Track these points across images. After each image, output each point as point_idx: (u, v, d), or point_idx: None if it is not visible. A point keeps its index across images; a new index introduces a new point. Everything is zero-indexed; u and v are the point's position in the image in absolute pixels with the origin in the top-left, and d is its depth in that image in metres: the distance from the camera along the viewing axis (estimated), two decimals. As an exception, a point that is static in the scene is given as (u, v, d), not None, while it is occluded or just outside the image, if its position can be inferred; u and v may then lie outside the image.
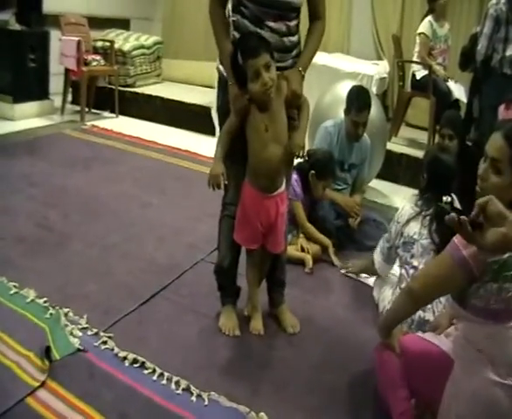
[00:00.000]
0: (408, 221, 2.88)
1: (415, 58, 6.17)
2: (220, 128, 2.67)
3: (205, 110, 6.73)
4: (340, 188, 4.22)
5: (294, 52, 2.60)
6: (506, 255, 1.81)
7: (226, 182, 2.51)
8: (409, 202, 2.98)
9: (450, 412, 1.99)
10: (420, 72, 6.06)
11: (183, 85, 8.22)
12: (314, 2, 2.61)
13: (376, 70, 6.19)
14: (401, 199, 5.00)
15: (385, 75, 6.69)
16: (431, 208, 2.83)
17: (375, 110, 4.30)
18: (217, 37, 2.55)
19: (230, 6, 2.55)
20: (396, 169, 5.64)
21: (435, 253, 2.78)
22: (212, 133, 6.52)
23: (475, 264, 1.83)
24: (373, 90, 5.34)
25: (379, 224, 4.06)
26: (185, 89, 7.94)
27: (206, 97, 7.05)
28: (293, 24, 2.54)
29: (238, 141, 2.52)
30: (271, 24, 2.46)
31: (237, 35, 2.51)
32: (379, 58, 7.38)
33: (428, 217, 2.83)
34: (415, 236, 2.84)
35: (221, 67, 2.63)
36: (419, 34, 6.09)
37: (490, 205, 1.44)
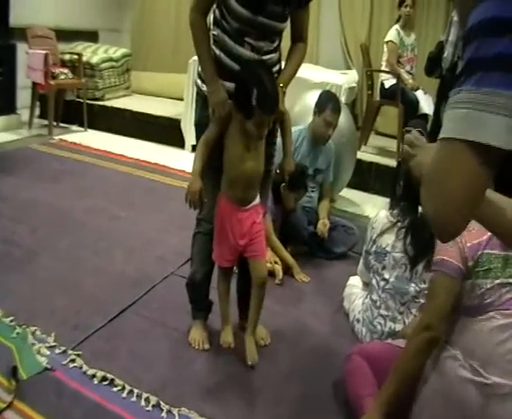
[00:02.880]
0: (382, 232, 2.87)
1: (384, 67, 6.23)
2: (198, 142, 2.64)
3: (175, 122, 6.71)
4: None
5: (274, 70, 2.60)
6: (479, 252, 1.85)
7: (206, 200, 2.51)
8: (385, 209, 2.97)
9: (423, 413, 2.00)
10: (389, 81, 6.11)
11: (152, 97, 8.16)
12: (299, 27, 2.60)
13: (344, 79, 6.22)
14: (371, 207, 5.03)
15: (354, 84, 6.73)
16: (406, 218, 2.82)
17: (344, 119, 4.31)
18: (198, 48, 2.49)
19: (211, 19, 2.52)
20: (366, 178, 5.68)
21: (406, 267, 2.79)
22: (182, 146, 6.51)
23: (467, 257, 1.87)
24: (342, 99, 5.35)
25: (348, 229, 4.06)
26: (154, 101, 7.88)
27: (175, 109, 7.03)
28: (274, 44, 2.54)
29: (214, 155, 2.51)
30: (252, 41, 2.44)
31: (215, 49, 2.49)
32: (348, 68, 7.42)
33: (403, 230, 2.81)
34: (388, 249, 2.84)
35: (199, 81, 2.61)
36: (387, 42, 6.15)
37: (409, 137, 1.44)
